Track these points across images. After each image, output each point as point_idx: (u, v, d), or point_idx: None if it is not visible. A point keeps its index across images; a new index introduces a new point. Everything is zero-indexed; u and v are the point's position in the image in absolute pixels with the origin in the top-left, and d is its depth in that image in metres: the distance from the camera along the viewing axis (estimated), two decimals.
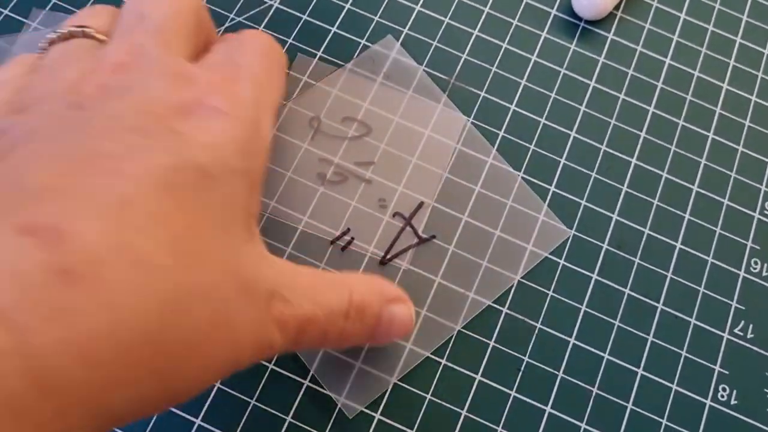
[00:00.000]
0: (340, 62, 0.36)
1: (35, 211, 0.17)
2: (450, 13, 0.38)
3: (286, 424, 0.30)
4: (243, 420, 0.30)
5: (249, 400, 0.30)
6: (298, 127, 0.35)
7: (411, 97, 0.36)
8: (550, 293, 0.33)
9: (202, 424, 0.30)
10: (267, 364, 0.31)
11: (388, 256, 0.32)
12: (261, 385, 0.30)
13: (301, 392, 0.30)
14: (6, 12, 0.36)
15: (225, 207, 0.21)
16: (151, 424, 0.29)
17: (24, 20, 0.36)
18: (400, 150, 0.35)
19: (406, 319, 0.27)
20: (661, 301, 0.34)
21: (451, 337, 0.32)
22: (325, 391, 0.30)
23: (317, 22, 0.37)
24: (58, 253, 0.16)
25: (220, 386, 0.30)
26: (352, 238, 0.33)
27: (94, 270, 0.16)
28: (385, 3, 0.38)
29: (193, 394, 0.20)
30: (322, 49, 0.37)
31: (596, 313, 0.33)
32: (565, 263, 0.34)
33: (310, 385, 0.30)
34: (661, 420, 0.31)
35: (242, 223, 0.22)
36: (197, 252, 0.19)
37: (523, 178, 0.35)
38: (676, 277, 0.34)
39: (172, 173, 0.19)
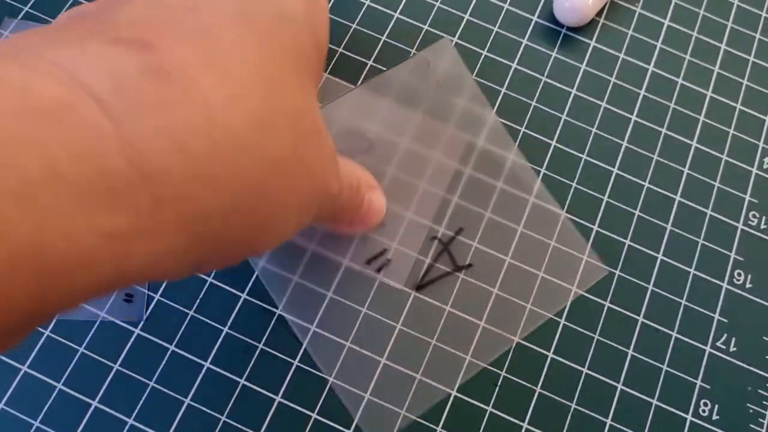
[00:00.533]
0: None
1: (128, 32, 0.17)
2: (429, 20, 0.38)
3: None
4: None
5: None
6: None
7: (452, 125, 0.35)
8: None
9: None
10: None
11: (424, 281, 0.32)
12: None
13: (362, 404, 0.30)
14: None
15: (297, 51, 0.21)
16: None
17: None
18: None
19: (380, 206, 0.31)
20: (642, 314, 0.33)
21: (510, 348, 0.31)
22: (385, 404, 0.30)
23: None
24: (152, 57, 0.17)
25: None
26: (388, 260, 0.32)
27: (188, 73, 0.17)
28: (363, 10, 0.38)
29: (278, 232, 0.21)
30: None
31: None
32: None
33: (371, 398, 0.30)
34: None
35: (309, 73, 0.22)
36: (279, 79, 0.20)
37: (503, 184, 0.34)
38: (658, 290, 0.34)
39: (251, 7, 0.20)
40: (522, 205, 0.34)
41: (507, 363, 0.32)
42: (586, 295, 0.33)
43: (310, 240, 0.32)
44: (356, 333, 0.31)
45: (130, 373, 0.30)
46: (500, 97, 0.36)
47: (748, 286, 0.34)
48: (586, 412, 0.31)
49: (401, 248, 0.32)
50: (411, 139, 0.34)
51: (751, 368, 0.32)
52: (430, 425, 0.30)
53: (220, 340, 0.31)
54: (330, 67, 0.36)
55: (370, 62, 0.36)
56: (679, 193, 0.35)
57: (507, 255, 0.33)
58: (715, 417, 0.32)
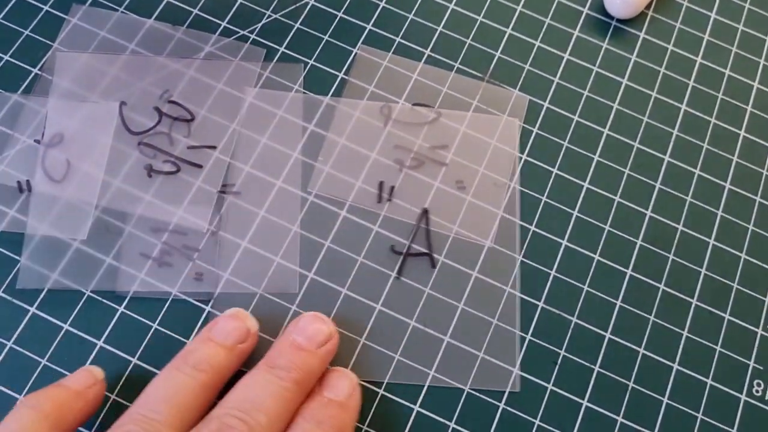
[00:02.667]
0: (379, 60, 0.37)
1: None
2: (483, 11, 0.39)
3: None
4: None
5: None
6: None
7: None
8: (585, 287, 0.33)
9: None
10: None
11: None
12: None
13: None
14: (46, 8, 0.37)
15: None
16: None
17: (64, 16, 0.36)
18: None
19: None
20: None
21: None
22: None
23: (352, 20, 0.38)
24: None
25: None
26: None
27: None
28: (418, 2, 0.39)
29: None
30: (357, 47, 0.37)
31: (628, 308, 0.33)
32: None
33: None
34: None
35: None
36: None
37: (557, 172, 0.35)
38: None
39: None
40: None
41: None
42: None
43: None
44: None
45: None
46: (553, 86, 0.37)
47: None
48: (630, 424, 0.32)
49: None
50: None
51: None
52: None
53: (288, 316, 0.32)
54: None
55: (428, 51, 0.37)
56: (729, 181, 0.36)
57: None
58: None
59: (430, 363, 0.31)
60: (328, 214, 0.34)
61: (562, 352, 0.32)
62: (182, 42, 0.36)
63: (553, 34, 0.39)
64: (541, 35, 0.39)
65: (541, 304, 0.33)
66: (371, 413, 0.30)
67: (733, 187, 0.36)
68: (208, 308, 0.32)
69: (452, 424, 0.31)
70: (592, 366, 0.32)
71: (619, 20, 0.39)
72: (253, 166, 0.34)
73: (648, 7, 0.40)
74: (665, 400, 0.32)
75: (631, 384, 0.32)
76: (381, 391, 0.31)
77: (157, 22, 0.37)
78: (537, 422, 0.31)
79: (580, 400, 0.31)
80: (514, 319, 0.32)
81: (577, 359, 0.32)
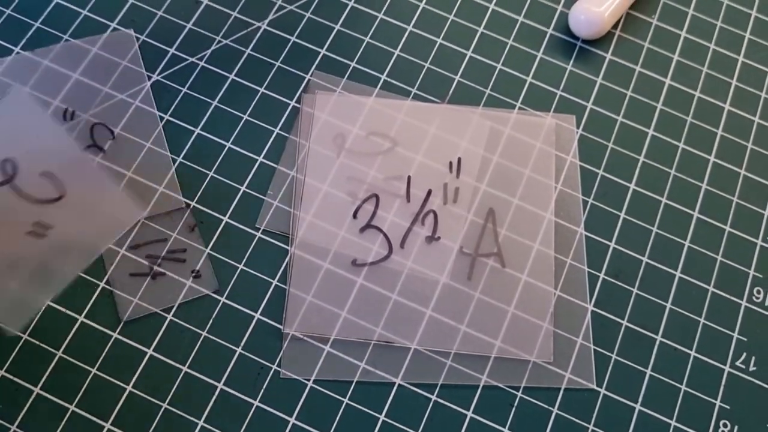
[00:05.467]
0: (332, 87, 0.36)
1: None
2: (443, 33, 0.37)
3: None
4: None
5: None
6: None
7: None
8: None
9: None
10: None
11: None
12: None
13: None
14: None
15: None
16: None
17: None
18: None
19: None
20: (660, 333, 0.33)
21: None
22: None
23: (306, 44, 0.36)
24: None
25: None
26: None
27: None
28: (375, 24, 0.37)
29: None
30: (310, 72, 0.36)
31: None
32: (561, 294, 0.33)
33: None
34: None
35: None
36: None
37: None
38: (675, 308, 0.33)
39: None
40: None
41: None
42: (604, 313, 0.33)
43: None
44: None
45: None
46: (514, 111, 0.36)
47: (767, 304, 0.34)
48: None
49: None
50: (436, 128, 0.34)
51: None
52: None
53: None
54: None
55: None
56: (697, 210, 0.35)
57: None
58: None
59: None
60: (278, 251, 0.32)
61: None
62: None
63: (516, 55, 0.37)
64: (504, 57, 0.37)
65: None
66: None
67: (701, 216, 0.35)
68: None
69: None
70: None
71: (584, 41, 0.38)
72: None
73: (615, 26, 0.38)
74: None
75: (591, 427, 0.31)
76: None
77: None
78: None
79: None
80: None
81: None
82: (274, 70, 0.36)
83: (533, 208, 0.34)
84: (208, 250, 0.32)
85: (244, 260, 0.32)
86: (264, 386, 0.30)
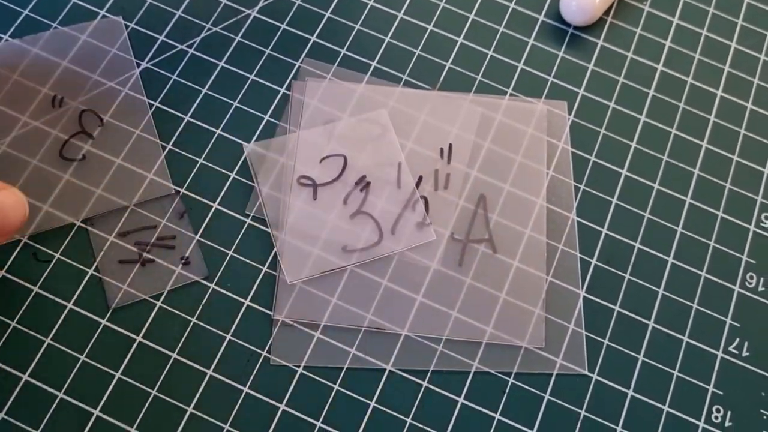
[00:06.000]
0: (322, 74, 0.35)
1: None
2: (433, 20, 0.37)
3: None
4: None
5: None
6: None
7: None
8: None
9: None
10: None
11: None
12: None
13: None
14: None
15: None
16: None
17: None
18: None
19: (14, 201, 0.27)
20: (653, 318, 0.32)
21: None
22: None
23: (296, 31, 0.36)
24: None
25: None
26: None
27: None
28: (366, 11, 0.37)
29: None
30: (301, 59, 0.36)
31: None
32: (553, 279, 0.33)
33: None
34: None
35: None
36: None
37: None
38: (668, 293, 0.33)
39: None
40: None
41: (515, 368, 0.31)
42: (596, 299, 0.32)
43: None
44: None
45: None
46: (506, 98, 0.36)
47: (760, 289, 0.33)
48: (596, 418, 0.30)
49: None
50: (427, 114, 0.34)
51: (764, 373, 0.32)
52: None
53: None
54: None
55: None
56: (689, 195, 0.35)
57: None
58: (728, 424, 0.31)
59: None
60: (267, 238, 0.32)
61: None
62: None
63: (508, 42, 0.37)
64: (495, 44, 0.37)
65: None
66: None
67: (694, 202, 0.35)
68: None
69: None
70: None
71: (576, 27, 0.38)
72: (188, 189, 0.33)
73: (607, 13, 0.38)
74: (619, 429, 0.30)
75: (583, 412, 0.31)
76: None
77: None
78: None
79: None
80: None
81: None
82: (264, 57, 0.35)
83: (525, 194, 0.34)
84: (197, 237, 0.32)
85: (234, 247, 0.32)
86: (254, 373, 0.30)
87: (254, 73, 0.35)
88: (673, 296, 0.33)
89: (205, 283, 0.31)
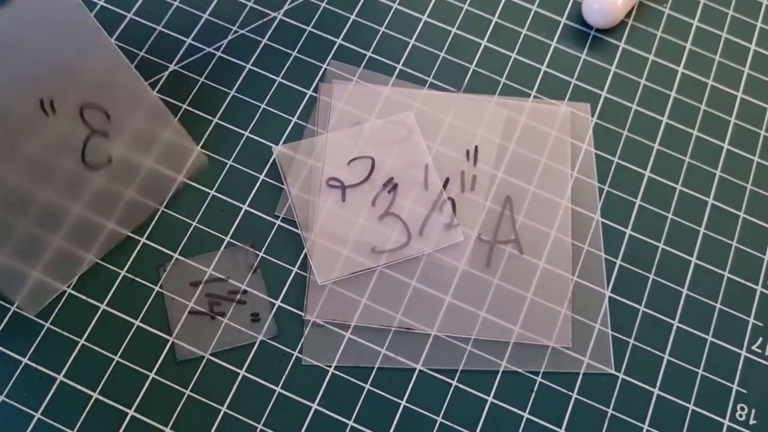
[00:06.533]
0: (349, 76, 0.36)
1: None
2: (457, 22, 0.38)
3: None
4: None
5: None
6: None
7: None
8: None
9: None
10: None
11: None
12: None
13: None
14: None
15: None
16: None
17: None
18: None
19: None
20: (677, 318, 0.33)
21: None
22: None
23: (322, 34, 0.37)
24: None
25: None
26: None
27: None
28: (390, 14, 0.37)
29: None
30: (327, 62, 0.36)
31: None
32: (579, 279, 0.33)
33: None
34: None
35: None
36: None
37: None
38: (692, 293, 0.33)
39: None
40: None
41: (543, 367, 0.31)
42: (621, 298, 0.33)
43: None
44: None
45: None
46: (530, 100, 0.36)
47: None
48: (623, 417, 0.31)
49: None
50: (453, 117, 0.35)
51: None
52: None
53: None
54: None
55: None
56: (711, 196, 0.35)
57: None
58: (752, 421, 0.31)
59: None
60: (297, 239, 0.32)
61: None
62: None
63: (531, 45, 0.37)
64: (518, 47, 0.37)
65: None
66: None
67: (716, 203, 0.35)
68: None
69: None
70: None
71: (598, 30, 0.38)
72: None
73: (628, 15, 0.38)
74: (645, 427, 0.31)
75: (610, 411, 0.31)
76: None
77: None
78: None
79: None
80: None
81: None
82: (290, 60, 0.36)
83: (550, 196, 0.34)
84: (228, 238, 0.32)
85: (264, 248, 0.32)
86: (286, 373, 0.30)
87: (281, 75, 0.35)
88: (697, 296, 0.33)
89: (236, 283, 0.32)
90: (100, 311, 0.31)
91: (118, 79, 0.29)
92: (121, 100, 0.29)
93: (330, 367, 0.31)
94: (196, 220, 0.32)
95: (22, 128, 0.27)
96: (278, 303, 0.31)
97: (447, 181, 0.34)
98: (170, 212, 0.32)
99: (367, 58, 0.36)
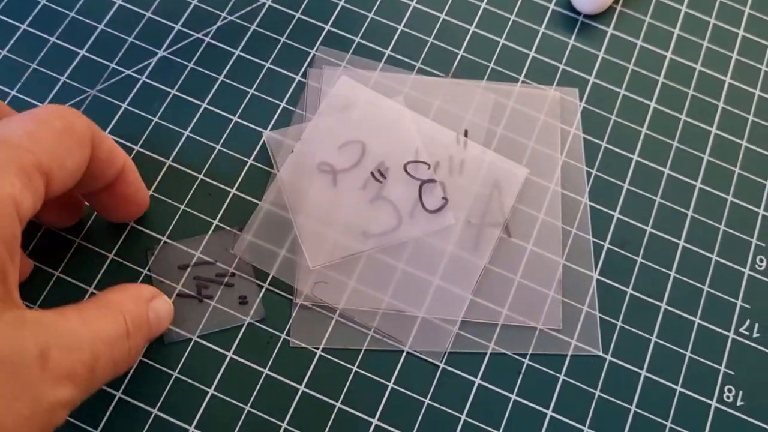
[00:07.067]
0: (338, 62, 0.36)
1: None
2: (446, 8, 0.38)
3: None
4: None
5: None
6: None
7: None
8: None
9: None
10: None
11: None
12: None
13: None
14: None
15: None
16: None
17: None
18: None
19: (168, 310, 0.28)
20: (665, 300, 0.33)
21: None
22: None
23: (310, 20, 0.37)
24: None
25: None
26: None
27: None
28: (378, 1, 0.37)
29: None
30: (315, 47, 0.36)
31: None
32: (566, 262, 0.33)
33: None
34: (665, 422, 0.31)
35: None
36: None
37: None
38: (679, 276, 0.33)
39: None
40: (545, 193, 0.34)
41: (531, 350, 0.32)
42: (609, 281, 0.33)
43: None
44: None
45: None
46: (518, 85, 0.36)
47: None
48: (610, 398, 0.31)
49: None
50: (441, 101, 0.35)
51: None
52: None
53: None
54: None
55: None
56: (699, 180, 0.35)
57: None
58: (740, 402, 0.32)
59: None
60: (286, 222, 0.33)
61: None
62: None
63: (519, 30, 0.38)
64: (506, 32, 0.37)
65: None
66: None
67: (704, 186, 0.35)
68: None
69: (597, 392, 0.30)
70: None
71: (586, 16, 0.38)
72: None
73: (616, 1, 0.39)
74: (633, 408, 0.31)
75: (597, 392, 0.31)
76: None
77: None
78: None
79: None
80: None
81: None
82: (279, 46, 0.36)
83: (538, 179, 0.34)
84: (216, 221, 0.32)
85: (252, 232, 0.32)
86: (273, 354, 0.30)
87: (270, 61, 0.36)
88: (684, 278, 0.33)
89: (224, 266, 0.32)
90: (87, 294, 0.31)
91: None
92: None
93: (318, 349, 0.31)
94: (185, 204, 0.32)
95: None
96: (266, 286, 0.31)
97: (437, 164, 0.34)
98: (158, 196, 0.33)
99: (355, 44, 0.36)
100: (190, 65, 0.35)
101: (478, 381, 0.31)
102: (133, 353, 0.25)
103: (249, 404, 0.30)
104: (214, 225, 0.32)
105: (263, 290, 0.31)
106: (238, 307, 0.31)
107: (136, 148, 0.33)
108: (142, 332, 0.26)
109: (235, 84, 0.35)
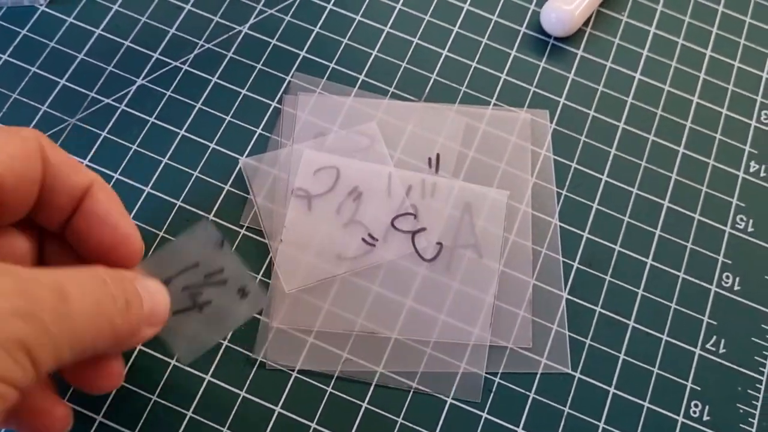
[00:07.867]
0: (312, 87, 0.37)
1: None
2: (419, 33, 0.39)
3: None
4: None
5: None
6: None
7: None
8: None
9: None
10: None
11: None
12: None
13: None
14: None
15: None
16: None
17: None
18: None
19: (159, 288, 0.26)
20: (633, 318, 0.34)
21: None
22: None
23: (286, 46, 0.37)
24: None
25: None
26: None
27: None
28: (353, 26, 0.38)
29: None
30: (291, 74, 0.37)
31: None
32: (537, 283, 0.34)
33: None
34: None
35: None
36: None
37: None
38: (647, 294, 0.34)
39: None
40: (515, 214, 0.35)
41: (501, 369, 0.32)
42: (578, 300, 0.34)
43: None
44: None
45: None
46: (490, 107, 0.37)
47: (736, 288, 0.35)
48: (579, 415, 0.32)
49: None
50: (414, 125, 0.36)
51: (740, 369, 0.33)
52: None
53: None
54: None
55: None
56: (667, 199, 0.36)
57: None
58: (706, 417, 0.32)
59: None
60: (262, 247, 0.33)
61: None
62: None
63: (491, 53, 0.38)
64: (479, 56, 0.38)
65: None
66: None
67: (671, 205, 0.36)
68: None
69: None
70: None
71: (556, 38, 0.39)
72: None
73: (586, 24, 0.39)
74: (601, 425, 0.32)
75: (566, 409, 0.32)
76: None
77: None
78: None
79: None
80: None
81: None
82: (255, 72, 0.37)
83: (510, 201, 0.35)
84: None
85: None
86: (250, 377, 0.31)
87: (246, 87, 0.36)
88: (652, 296, 0.34)
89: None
90: None
91: None
92: None
93: (293, 370, 0.32)
94: (162, 231, 0.33)
95: None
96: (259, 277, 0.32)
97: (409, 188, 0.35)
98: (137, 223, 0.33)
99: (330, 69, 0.37)
100: (168, 93, 0.36)
101: (449, 400, 0.32)
102: (121, 307, 0.23)
103: (226, 426, 0.30)
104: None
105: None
106: (240, 301, 0.29)
107: (115, 175, 0.34)
108: (128, 290, 0.23)
109: (213, 111, 0.36)
